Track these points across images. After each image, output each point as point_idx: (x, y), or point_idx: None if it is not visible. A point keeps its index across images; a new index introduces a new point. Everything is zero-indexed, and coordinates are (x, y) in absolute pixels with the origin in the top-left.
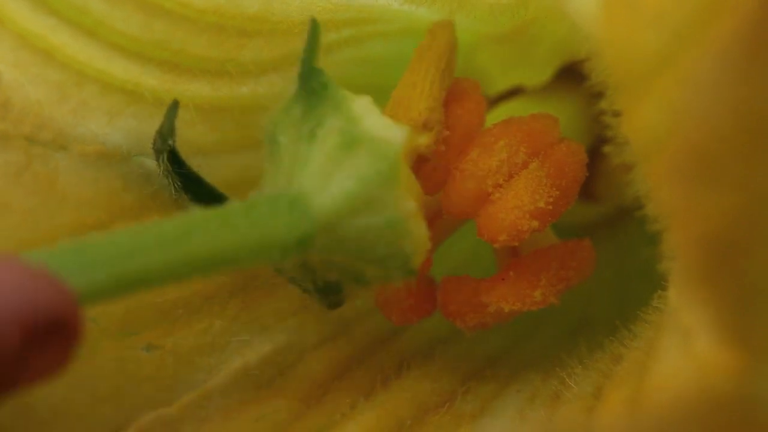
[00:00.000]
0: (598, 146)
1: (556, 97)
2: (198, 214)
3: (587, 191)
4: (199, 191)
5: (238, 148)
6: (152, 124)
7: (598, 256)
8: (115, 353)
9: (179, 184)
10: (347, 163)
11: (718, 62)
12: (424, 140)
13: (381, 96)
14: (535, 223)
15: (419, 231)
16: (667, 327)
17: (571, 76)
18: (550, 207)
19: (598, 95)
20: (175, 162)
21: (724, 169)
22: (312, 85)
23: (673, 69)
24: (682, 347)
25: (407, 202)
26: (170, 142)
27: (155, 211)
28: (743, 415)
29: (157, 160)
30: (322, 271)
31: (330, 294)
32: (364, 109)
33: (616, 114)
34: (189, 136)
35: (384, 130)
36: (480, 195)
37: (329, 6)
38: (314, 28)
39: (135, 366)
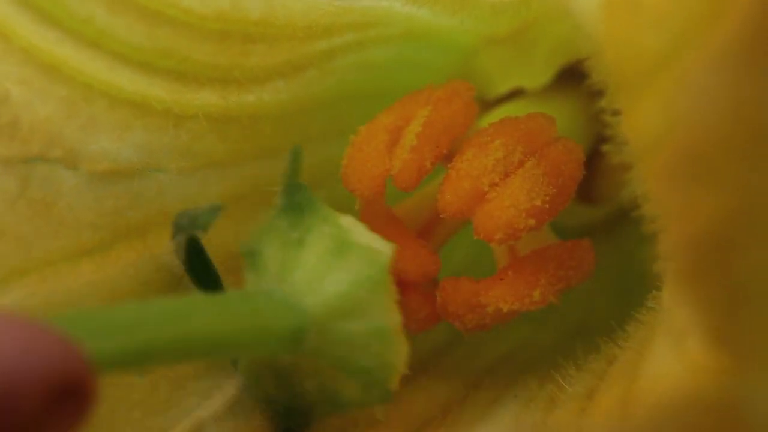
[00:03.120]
0: (597, 147)
1: (556, 98)
2: (200, 297)
3: (586, 192)
4: (205, 277)
5: (247, 158)
6: (162, 137)
7: (598, 257)
8: (107, 378)
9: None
10: (339, 267)
11: (717, 64)
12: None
13: (382, 102)
14: (531, 221)
15: (402, 347)
16: (660, 328)
17: (572, 76)
18: (547, 205)
19: (598, 94)
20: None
21: (719, 171)
22: (298, 200)
23: (673, 69)
24: (673, 348)
25: (394, 313)
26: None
27: (163, 228)
28: (730, 418)
29: (175, 236)
30: (300, 380)
31: (296, 416)
32: (351, 224)
33: (616, 113)
34: (199, 148)
35: (373, 241)
36: (476, 194)
37: (331, 9)
38: (297, 151)
39: (127, 391)
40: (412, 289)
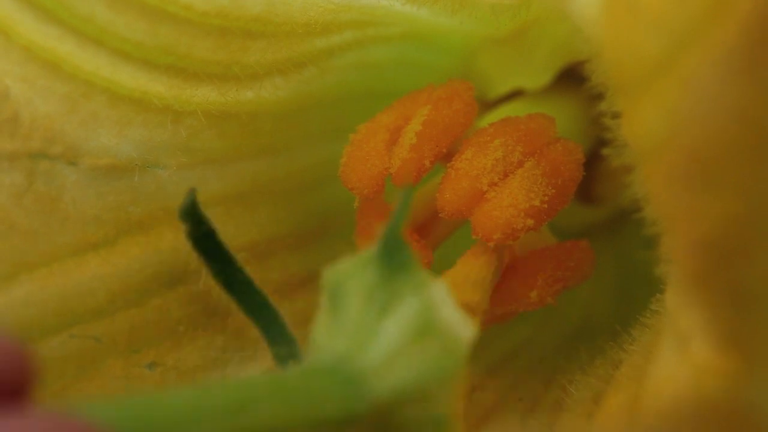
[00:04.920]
0: (597, 148)
1: (556, 99)
2: (258, 382)
3: (586, 194)
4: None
5: (246, 155)
6: (161, 133)
7: (598, 259)
8: (119, 371)
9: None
10: (416, 352)
11: (719, 67)
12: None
13: (382, 102)
14: (530, 222)
15: (456, 428)
16: (664, 331)
17: (571, 78)
18: (546, 206)
19: (598, 97)
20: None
21: (724, 175)
22: (395, 259)
23: (674, 72)
24: (678, 351)
25: (458, 401)
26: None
27: (165, 223)
28: (739, 420)
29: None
30: None
31: None
32: (441, 297)
33: (616, 116)
34: (198, 145)
35: (457, 324)
36: (474, 194)
37: (330, 6)
38: (406, 197)
39: (138, 384)
40: None
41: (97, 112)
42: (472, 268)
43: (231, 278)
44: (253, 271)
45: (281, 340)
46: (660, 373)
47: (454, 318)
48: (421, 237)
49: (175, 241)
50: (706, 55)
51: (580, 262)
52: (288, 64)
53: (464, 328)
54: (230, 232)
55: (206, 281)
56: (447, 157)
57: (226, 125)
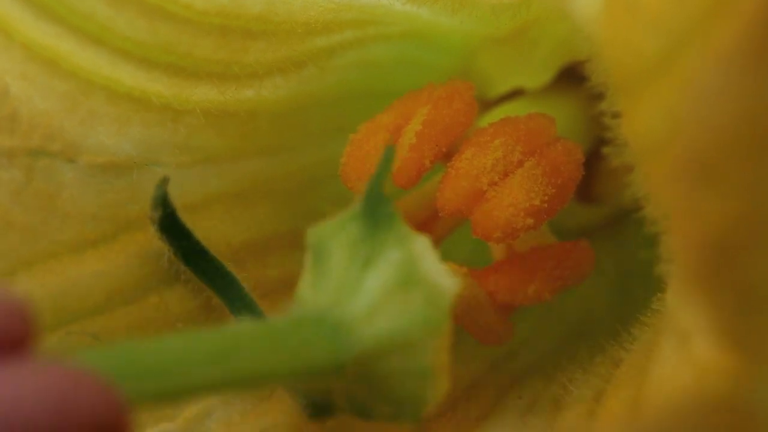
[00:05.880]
0: (597, 148)
1: (556, 98)
2: (245, 330)
3: (586, 193)
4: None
5: (246, 154)
6: (160, 132)
7: (598, 258)
8: None
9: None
10: (399, 302)
11: (720, 66)
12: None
13: (382, 102)
14: (530, 221)
15: (441, 385)
16: (665, 330)
17: (571, 77)
18: (545, 205)
19: (598, 96)
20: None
21: (726, 174)
22: (377, 212)
23: (674, 72)
24: (680, 350)
25: (443, 354)
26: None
27: None
28: (740, 418)
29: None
30: (328, 392)
31: (320, 410)
32: (424, 250)
33: (616, 116)
34: (197, 143)
35: (441, 276)
36: (474, 193)
37: (331, 6)
38: (389, 153)
39: None
40: None
41: (96, 110)
42: None
43: (186, 249)
44: (252, 269)
45: (243, 307)
46: (661, 372)
47: (437, 270)
48: None
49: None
50: (706, 54)
51: (580, 261)
52: (288, 63)
53: (449, 281)
54: (229, 231)
55: None
56: (447, 156)
57: (225, 124)
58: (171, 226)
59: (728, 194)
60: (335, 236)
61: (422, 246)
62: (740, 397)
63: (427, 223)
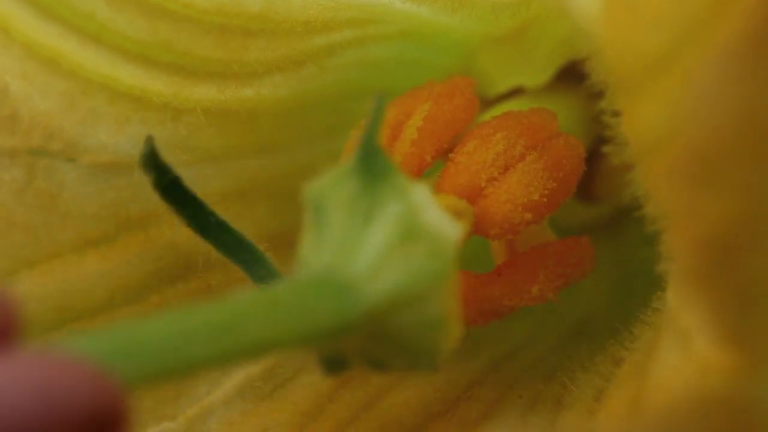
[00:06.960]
0: (597, 146)
1: (556, 97)
2: (247, 299)
3: (586, 192)
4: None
5: (245, 153)
6: (161, 131)
7: (598, 257)
8: None
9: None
10: (402, 256)
11: (720, 64)
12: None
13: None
14: (528, 216)
15: (456, 331)
16: (666, 328)
17: (571, 76)
18: (545, 199)
19: (598, 95)
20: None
21: (726, 172)
22: (372, 164)
23: (674, 70)
24: (680, 348)
25: (452, 302)
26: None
27: (164, 221)
28: (741, 416)
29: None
30: (342, 349)
31: (335, 366)
32: (424, 199)
33: (616, 114)
34: (197, 142)
35: (442, 225)
36: (472, 190)
37: (330, 4)
38: (381, 100)
39: None
40: None
41: (96, 109)
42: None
43: (204, 222)
44: None
45: (266, 276)
46: (661, 371)
47: (438, 219)
48: None
49: (175, 237)
50: (707, 52)
51: (581, 258)
52: (288, 62)
53: (450, 229)
54: None
55: (206, 277)
56: (448, 152)
57: (225, 123)
58: (171, 189)
59: (728, 193)
60: (333, 192)
61: (421, 196)
62: (741, 395)
63: None
